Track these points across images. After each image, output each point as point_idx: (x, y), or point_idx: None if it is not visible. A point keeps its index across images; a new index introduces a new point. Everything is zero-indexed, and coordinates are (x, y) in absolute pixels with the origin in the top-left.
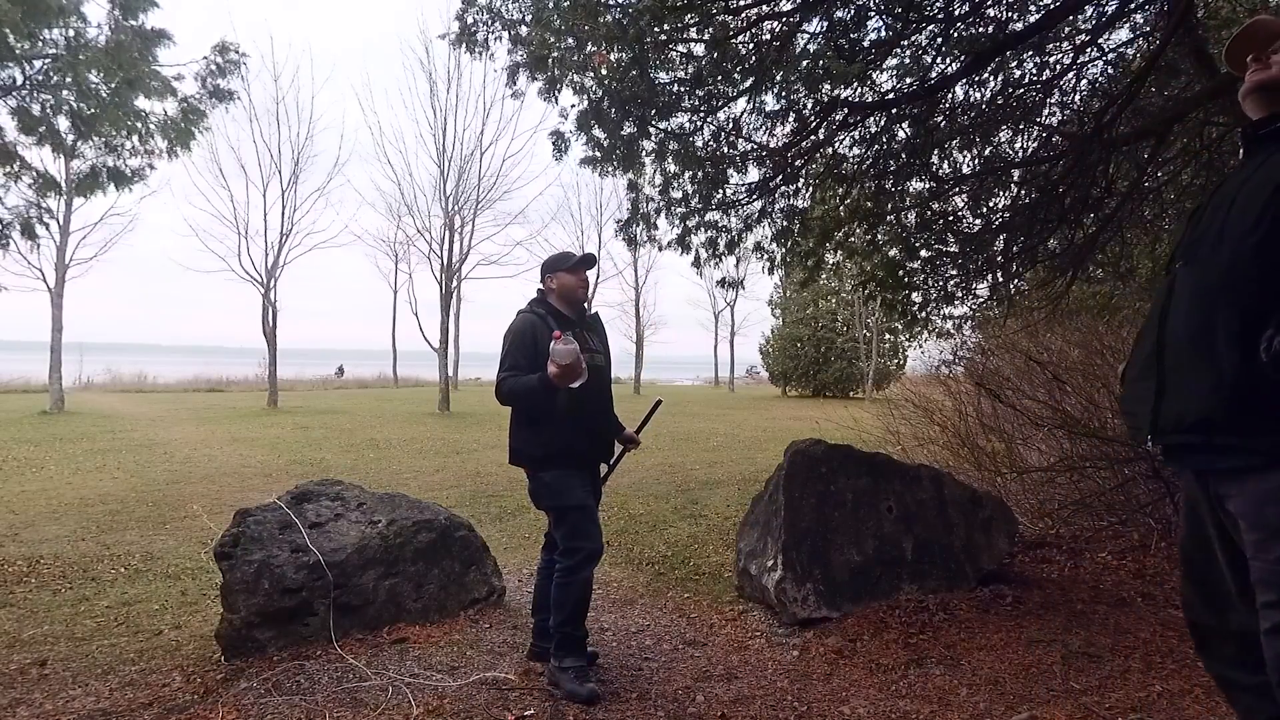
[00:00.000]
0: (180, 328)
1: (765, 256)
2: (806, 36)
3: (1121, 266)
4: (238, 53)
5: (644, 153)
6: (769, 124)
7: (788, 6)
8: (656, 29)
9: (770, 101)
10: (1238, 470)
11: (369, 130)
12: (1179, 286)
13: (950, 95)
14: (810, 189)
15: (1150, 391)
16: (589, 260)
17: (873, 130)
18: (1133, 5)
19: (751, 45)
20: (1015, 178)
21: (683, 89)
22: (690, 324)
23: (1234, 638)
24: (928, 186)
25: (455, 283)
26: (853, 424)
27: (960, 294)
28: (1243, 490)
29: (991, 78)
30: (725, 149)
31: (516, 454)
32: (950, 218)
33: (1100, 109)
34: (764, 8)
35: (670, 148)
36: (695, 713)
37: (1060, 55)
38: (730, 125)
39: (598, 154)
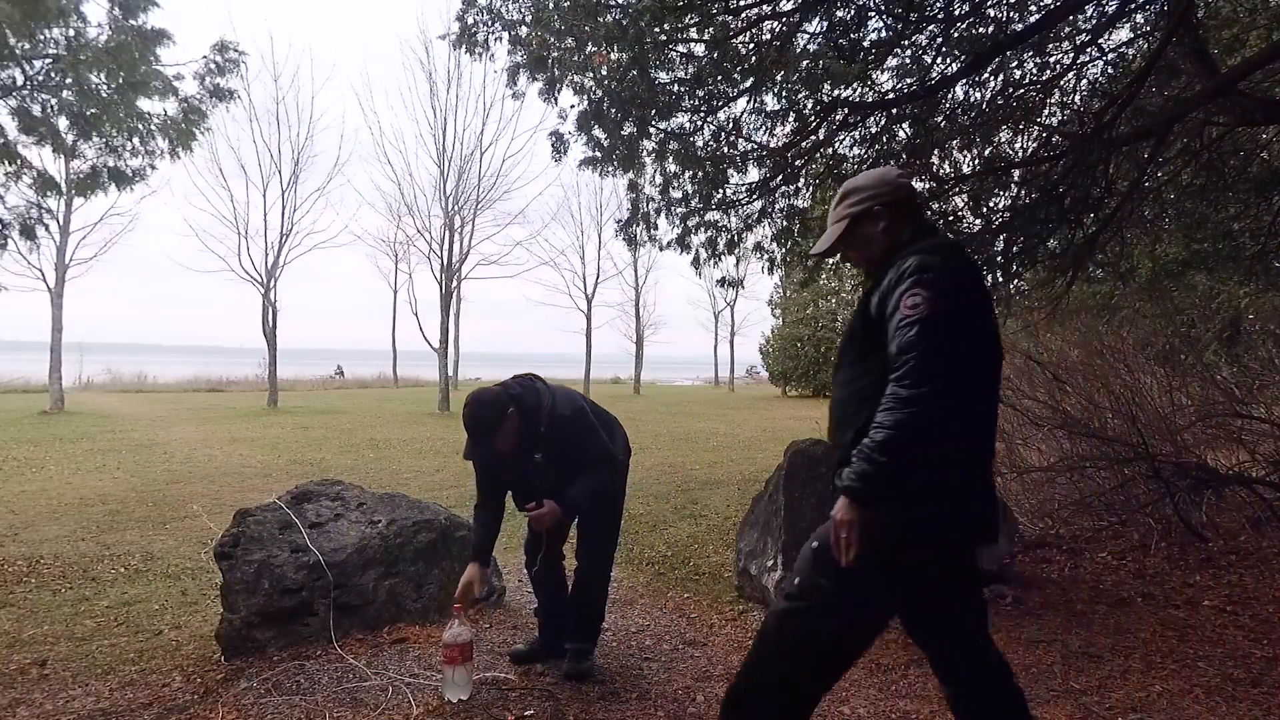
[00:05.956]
0: (180, 328)
1: (765, 256)
2: (806, 36)
3: (1121, 266)
4: (237, 51)
5: (644, 153)
6: (769, 124)
7: (788, 6)
8: (656, 29)
9: (770, 101)
10: None
11: (369, 130)
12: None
13: (950, 95)
14: (810, 189)
15: None
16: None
17: (873, 130)
18: (1133, 5)
19: (751, 45)
20: (1015, 178)
21: (683, 89)
22: (690, 324)
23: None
24: (928, 186)
25: (455, 283)
26: None
27: None
28: None
29: (991, 78)
30: (725, 149)
31: None
32: (950, 218)
33: (1100, 109)
34: (764, 8)
35: (670, 148)
36: (695, 713)
37: (1060, 55)
38: (730, 125)
39: (598, 154)
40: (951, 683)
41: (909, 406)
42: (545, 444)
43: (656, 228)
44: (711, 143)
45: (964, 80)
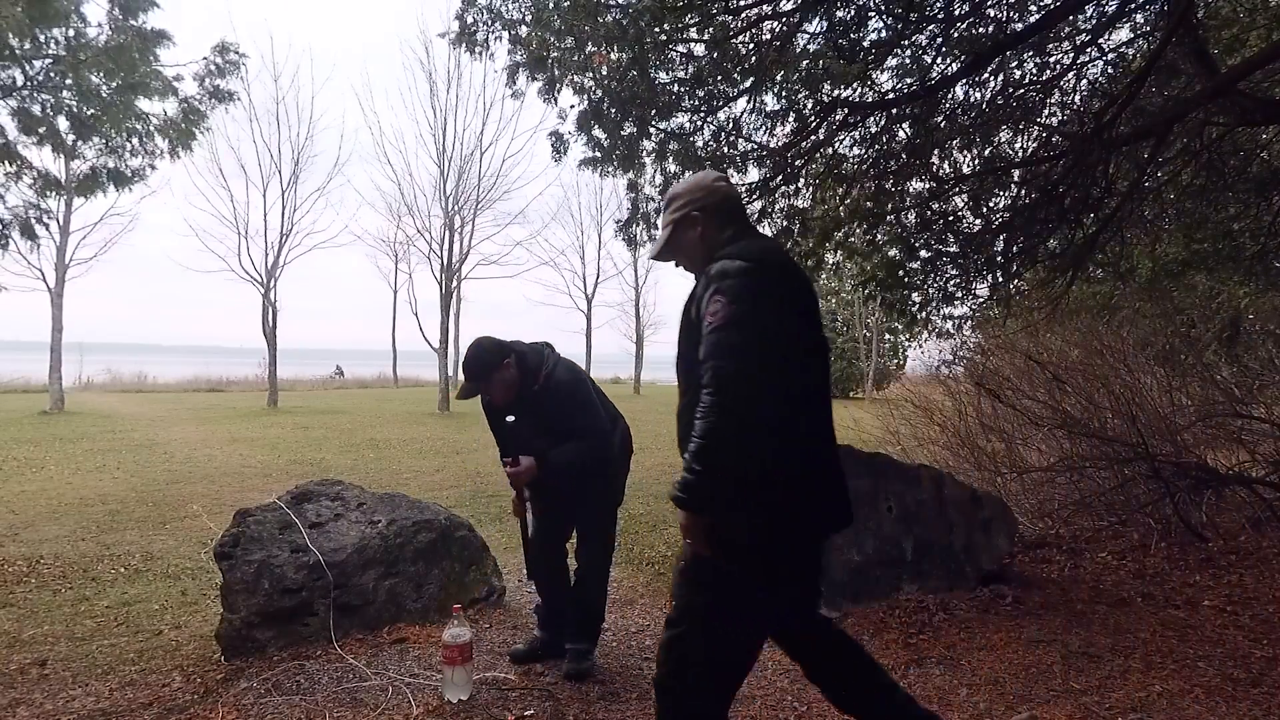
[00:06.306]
0: (180, 328)
1: None
2: (806, 36)
3: (1121, 266)
4: (237, 53)
5: (644, 153)
6: (769, 124)
7: (788, 6)
8: (656, 29)
9: (770, 101)
10: None
11: (369, 130)
12: None
13: (950, 95)
14: (810, 189)
15: None
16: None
17: (873, 130)
18: (1133, 5)
19: (751, 45)
20: (1015, 178)
21: (683, 89)
22: None
23: None
24: (928, 186)
25: (455, 283)
26: (853, 424)
27: (960, 294)
28: None
29: (991, 78)
30: (725, 149)
31: None
32: (950, 218)
33: (1100, 109)
34: (764, 8)
35: (670, 148)
36: None
37: (1060, 55)
38: (730, 125)
39: (598, 154)
40: (804, 655)
41: (711, 415)
42: (536, 404)
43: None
44: (711, 143)
45: (964, 80)
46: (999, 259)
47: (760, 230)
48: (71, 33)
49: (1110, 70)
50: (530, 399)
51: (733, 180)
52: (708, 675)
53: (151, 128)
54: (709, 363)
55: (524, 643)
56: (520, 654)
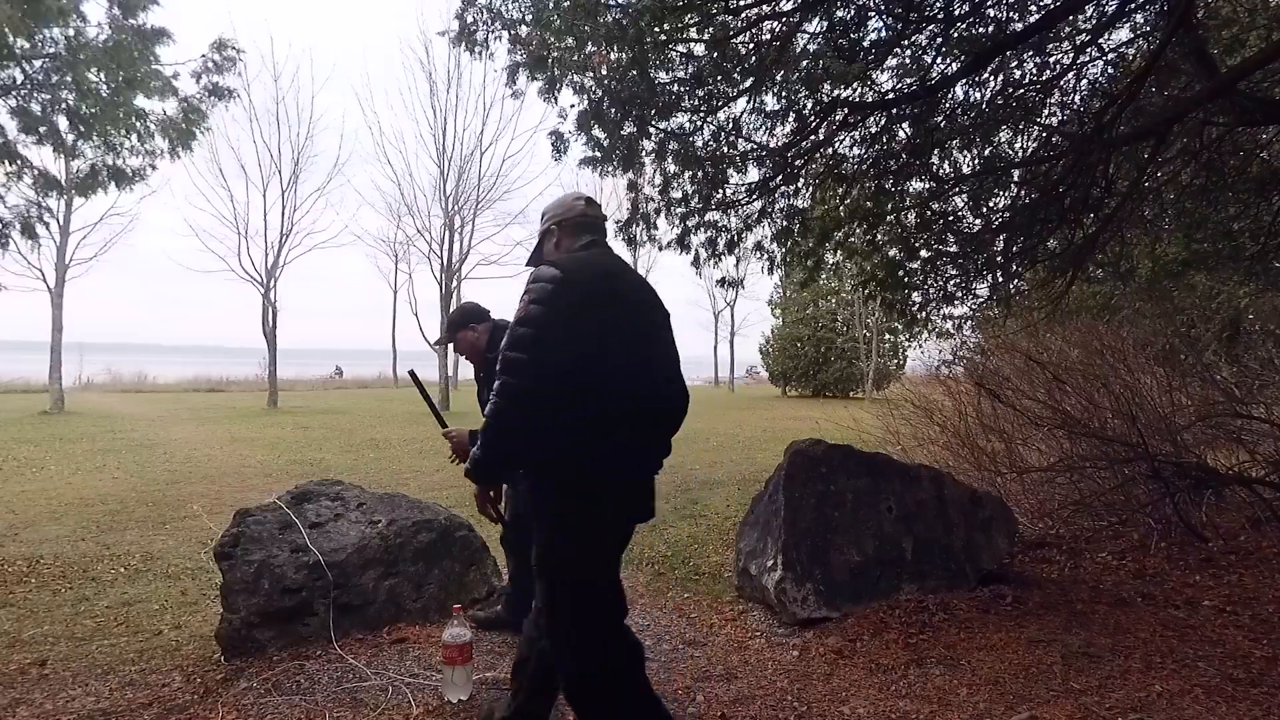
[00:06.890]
0: (180, 328)
1: (765, 256)
2: (806, 36)
3: (1121, 266)
4: (234, 49)
5: (644, 153)
6: (769, 124)
7: (788, 6)
8: (656, 29)
9: (770, 101)
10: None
11: (369, 130)
12: None
13: (950, 95)
14: (810, 189)
15: None
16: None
17: (873, 130)
18: (1133, 5)
19: (751, 45)
20: (1015, 178)
21: (683, 89)
22: (690, 324)
23: None
24: (928, 186)
25: (455, 283)
26: (853, 424)
27: (960, 294)
28: None
29: (991, 78)
30: (725, 149)
31: None
32: (950, 218)
33: (1100, 109)
34: (764, 8)
35: (670, 148)
36: (695, 713)
37: (1060, 55)
38: (730, 125)
39: (597, 154)
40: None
41: (495, 398)
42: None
43: (656, 228)
44: (711, 143)
45: (964, 80)
46: (999, 259)
47: (608, 247)
48: (71, 31)
49: (1110, 70)
50: (489, 366)
51: (731, 179)
52: (599, 672)
53: (151, 127)
54: (503, 352)
55: (486, 611)
56: (480, 618)
